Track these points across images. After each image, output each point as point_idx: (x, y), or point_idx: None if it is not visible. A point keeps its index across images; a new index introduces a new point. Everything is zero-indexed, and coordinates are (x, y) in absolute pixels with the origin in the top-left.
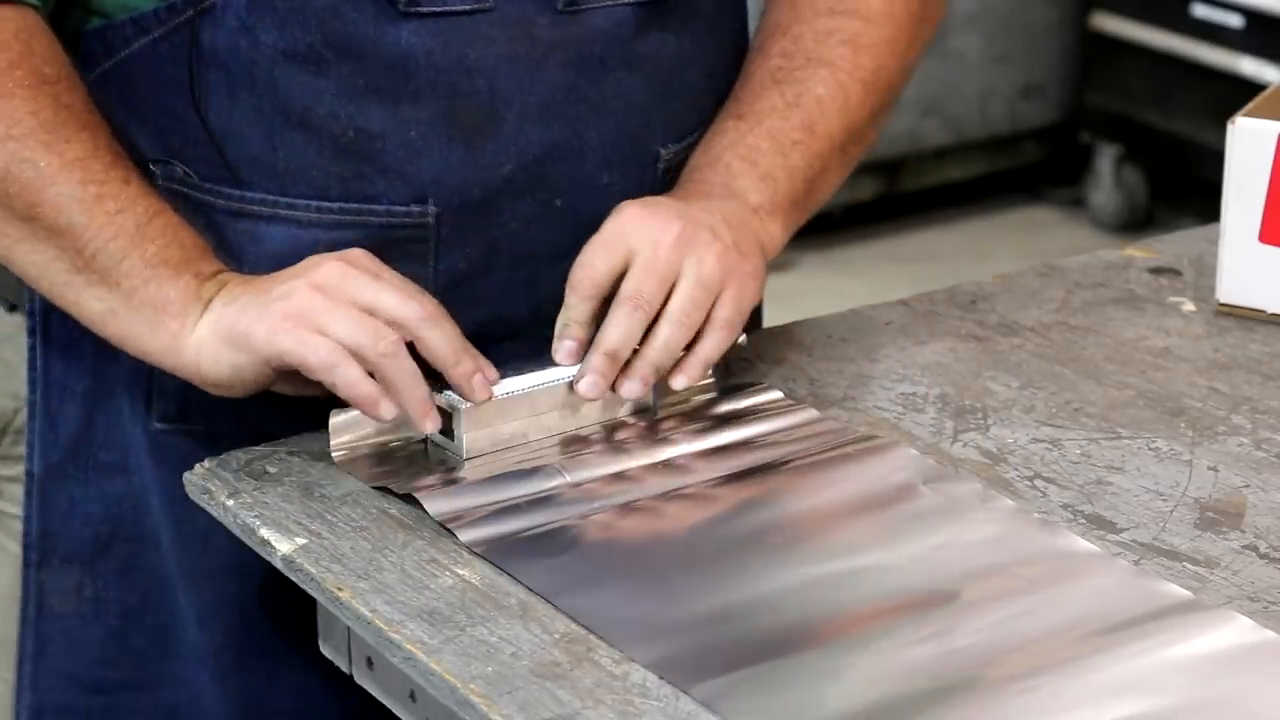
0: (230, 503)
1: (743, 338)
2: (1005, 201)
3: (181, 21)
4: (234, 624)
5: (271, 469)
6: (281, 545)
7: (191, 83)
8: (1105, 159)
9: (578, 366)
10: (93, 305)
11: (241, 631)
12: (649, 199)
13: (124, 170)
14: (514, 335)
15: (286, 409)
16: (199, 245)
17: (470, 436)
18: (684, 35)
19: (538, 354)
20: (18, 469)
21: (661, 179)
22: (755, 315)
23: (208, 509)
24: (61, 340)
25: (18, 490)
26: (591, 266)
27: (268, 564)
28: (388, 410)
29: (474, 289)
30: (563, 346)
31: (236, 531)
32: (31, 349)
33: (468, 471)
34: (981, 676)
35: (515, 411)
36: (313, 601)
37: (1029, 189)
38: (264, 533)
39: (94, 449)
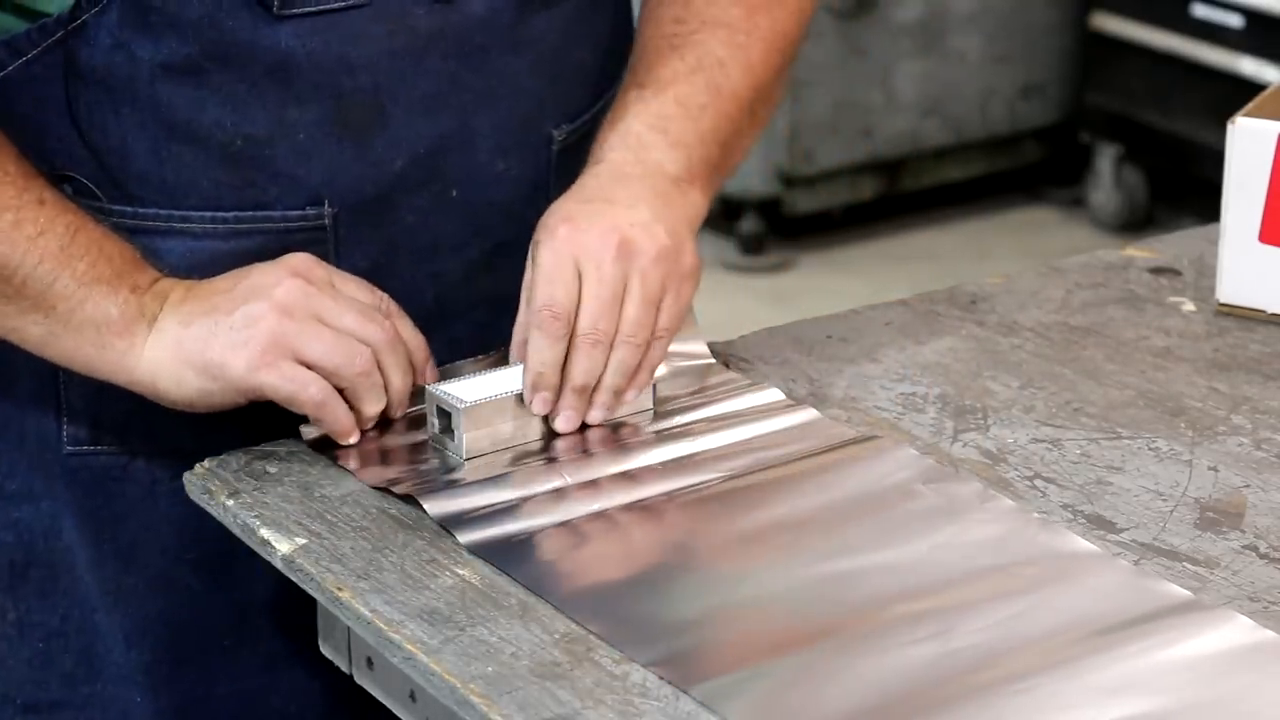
0: (230, 503)
1: (693, 310)
2: (1005, 201)
3: (54, 41)
4: (164, 639)
5: (271, 469)
6: (281, 545)
7: (69, 102)
8: (1105, 159)
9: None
10: (31, 330)
11: (172, 646)
12: (572, 209)
13: (37, 190)
14: (423, 329)
15: (200, 427)
16: (127, 256)
17: (470, 436)
18: (569, 14)
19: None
20: None
21: (556, 160)
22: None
23: (208, 509)
24: None
25: None
26: (553, 303)
27: (193, 576)
28: (355, 439)
29: (377, 285)
30: (539, 398)
31: (236, 531)
32: None
33: (467, 472)
34: (981, 676)
35: (514, 410)
36: (246, 607)
37: (1029, 189)
38: (264, 533)
39: None
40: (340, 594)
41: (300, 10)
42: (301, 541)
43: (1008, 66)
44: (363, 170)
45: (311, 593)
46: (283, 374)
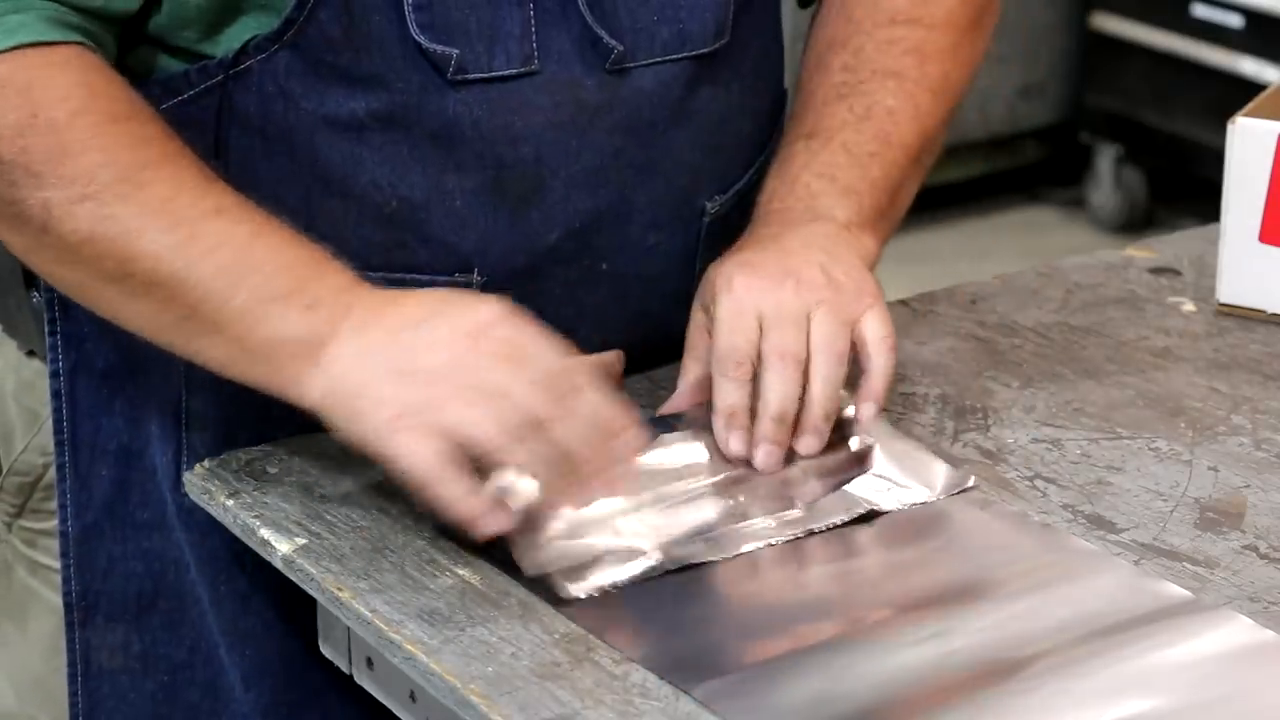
0: (230, 503)
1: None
2: (1005, 201)
3: (214, 84)
4: (280, 682)
5: (271, 469)
6: (281, 545)
7: (219, 145)
8: (1105, 159)
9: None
10: (211, 353)
11: (289, 689)
12: (746, 257)
13: (215, 198)
14: None
15: None
16: (306, 261)
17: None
18: (733, 86)
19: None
20: (51, 523)
21: (706, 232)
22: None
23: (208, 509)
24: (90, 401)
25: (53, 543)
26: (735, 348)
27: (310, 620)
28: (490, 524)
29: None
30: (734, 437)
31: (237, 531)
32: (57, 410)
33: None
34: (981, 677)
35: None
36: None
37: (1029, 189)
38: (264, 533)
39: (130, 508)
40: (340, 594)
41: (472, 76)
42: (301, 541)
43: (1007, 66)
44: (516, 241)
45: (311, 593)
46: (404, 445)
